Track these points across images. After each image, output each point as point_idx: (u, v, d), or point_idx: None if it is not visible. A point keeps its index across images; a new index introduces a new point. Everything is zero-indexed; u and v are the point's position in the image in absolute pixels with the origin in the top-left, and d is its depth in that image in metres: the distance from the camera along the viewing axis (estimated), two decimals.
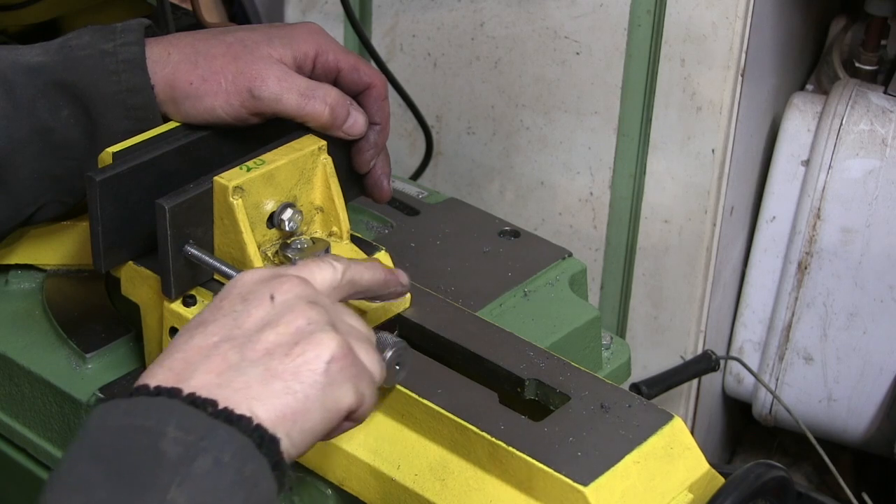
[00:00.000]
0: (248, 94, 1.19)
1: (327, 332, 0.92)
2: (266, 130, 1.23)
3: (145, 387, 0.88)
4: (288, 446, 0.89)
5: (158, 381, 0.89)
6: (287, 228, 1.17)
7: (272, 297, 0.93)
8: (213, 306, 0.95)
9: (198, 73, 1.20)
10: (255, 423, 0.87)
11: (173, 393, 0.87)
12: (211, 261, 1.12)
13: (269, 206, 1.17)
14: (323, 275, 0.99)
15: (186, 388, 0.87)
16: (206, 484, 0.84)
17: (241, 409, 0.87)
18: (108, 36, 1.20)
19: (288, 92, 1.20)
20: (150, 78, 1.19)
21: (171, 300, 1.14)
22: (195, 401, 0.87)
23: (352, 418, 0.94)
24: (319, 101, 1.20)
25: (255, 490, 0.85)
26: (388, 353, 1.02)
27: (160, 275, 1.14)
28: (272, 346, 0.91)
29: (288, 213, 1.17)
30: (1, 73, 1.18)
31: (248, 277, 0.96)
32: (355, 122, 1.24)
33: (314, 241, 1.19)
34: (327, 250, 1.18)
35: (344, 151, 1.26)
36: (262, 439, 0.87)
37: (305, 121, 1.21)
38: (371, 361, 0.95)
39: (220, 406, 0.87)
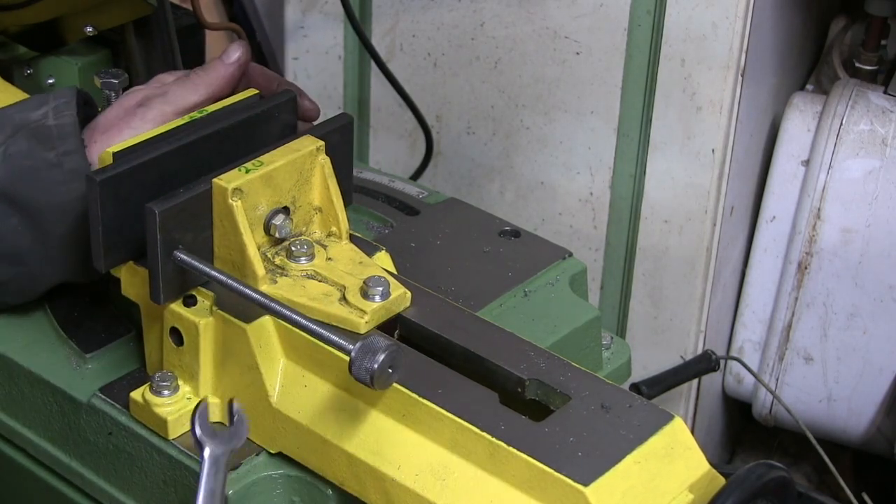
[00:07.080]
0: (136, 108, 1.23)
1: None
2: (268, 130, 1.23)
3: None
4: None
5: None
6: (279, 235, 1.16)
7: None
8: None
9: None
10: None
11: None
12: (201, 266, 1.11)
13: (268, 208, 1.16)
14: None
15: None
16: None
17: None
18: (46, 142, 1.20)
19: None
20: None
21: (160, 305, 1.14)
22: None
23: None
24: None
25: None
26: (381, 357, 1.01)
27: (149, 279, 1.13)
28: None
29: (279, 219, 1.16)
30: None
31: None
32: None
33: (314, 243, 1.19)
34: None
35: (343, 150, 1.26)
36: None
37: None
38: None
39: None
